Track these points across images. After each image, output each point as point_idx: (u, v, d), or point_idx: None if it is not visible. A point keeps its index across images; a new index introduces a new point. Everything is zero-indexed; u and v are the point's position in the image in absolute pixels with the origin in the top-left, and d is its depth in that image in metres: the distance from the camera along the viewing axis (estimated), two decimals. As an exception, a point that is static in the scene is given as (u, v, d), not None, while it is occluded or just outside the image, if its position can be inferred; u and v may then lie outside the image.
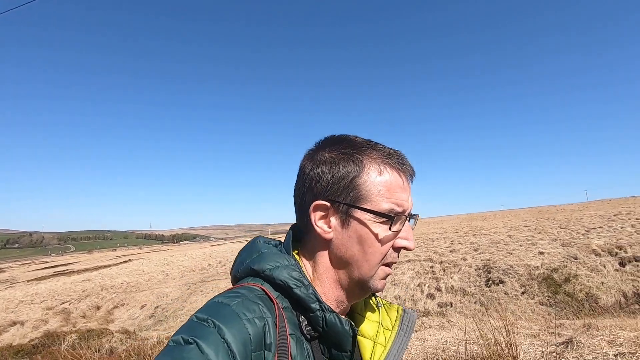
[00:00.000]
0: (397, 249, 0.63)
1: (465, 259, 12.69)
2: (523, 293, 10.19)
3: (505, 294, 10.38)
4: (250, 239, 0.69)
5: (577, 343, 2.15)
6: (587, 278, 10.43)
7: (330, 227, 0.61)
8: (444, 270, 12.48)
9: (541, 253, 11.75)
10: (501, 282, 10.76)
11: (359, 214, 0.60)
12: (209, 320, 0.48)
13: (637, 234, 12.55)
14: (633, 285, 10.02)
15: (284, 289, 0.57)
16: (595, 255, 11.21)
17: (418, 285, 12.10)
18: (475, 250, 14.10)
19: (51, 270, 49.01)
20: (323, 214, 0.62)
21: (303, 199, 0.64)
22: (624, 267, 10.57)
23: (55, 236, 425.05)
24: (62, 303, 19.98)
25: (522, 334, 3.49)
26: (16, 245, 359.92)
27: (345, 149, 0.62)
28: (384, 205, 0.60)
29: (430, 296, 11.44)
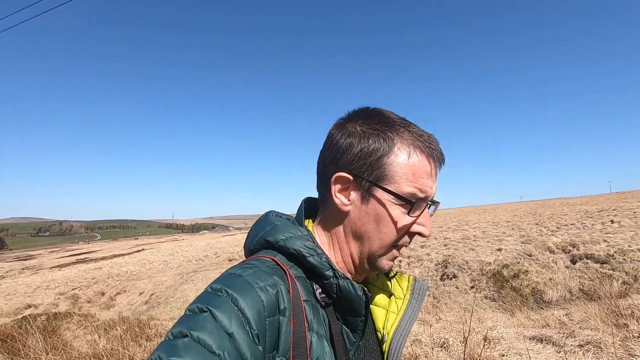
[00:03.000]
0: (411, 234, 0.63)
1: (429, 254, 13.32)
2: (472, 287, 10.80)
3: (456, 288, 11.01)
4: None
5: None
6: (537, 274, 10.89)
7: (349, 200, 0.62)
8: (408, 265, 13.16)
9: (499, 250, 12.23)
10: (454, 276, 11.38)
11: (380, 193, 0.60)
12: (222, 290, 0.50)
13: (600, 232, 12.81)
14: (579, 282, 10.44)
15: (297, 259, 0.59)
16: (550, 252, 11.63)
17: (383, 279, 12.88)
18: (445, 245, 14.65)
19: (73, 258, 52.20)
20: (344, 186, 0.62)
21: (327, 168, 0.64)
22: (574, 264, 10.96)
23: (83, 225, 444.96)
24: (73, 289, 21.81)
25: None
26: (47, 234, 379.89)
27: (378, 124, 0.62)
28: (407, 189, 0.59)
29: (392, 289, 12.21)
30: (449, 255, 12.62)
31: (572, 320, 3.73)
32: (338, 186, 0.62)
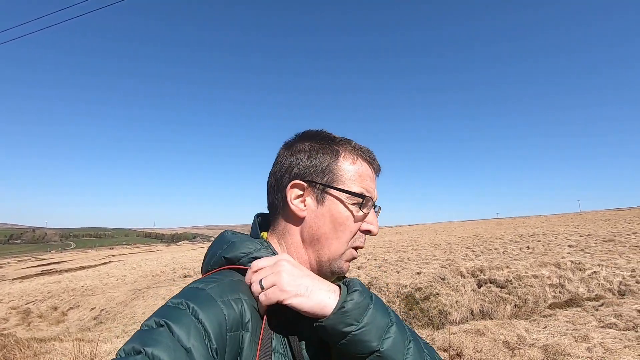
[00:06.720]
0: (363, 232, 0.68)
1: (359, 276, 14.38)
2: (386, 308, 11.89)
3: (374, 308, 12.07)
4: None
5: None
6: (447, 297, 12.05)
7: (305, 206, 0.67)
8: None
9: (418, 273, 13.38)
10: (374, 298, 12.46)
11: (333, 193, 0.66)
12: (183, 303, 0.50)
13: (511, 258, 14.16)
14: (481, 304, 11.64)
15: None
16: (461, 276, 12.87)
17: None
18: (379, 267, 15.75)
19: (38, 269, 50.87)
20: (299, 193, 0.67)
21: (280, 181, 0.69)
22: (480, 287, 12.18)
23: (57, 232, 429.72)
24: (27, 303, 21.81)
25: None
26: (19, 241, 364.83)
27: (322, 140, 0.70)
28: (355, 189, 0.66)
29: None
30: (375, 277, 13.69)
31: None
32: (294, 193, 0.67)
